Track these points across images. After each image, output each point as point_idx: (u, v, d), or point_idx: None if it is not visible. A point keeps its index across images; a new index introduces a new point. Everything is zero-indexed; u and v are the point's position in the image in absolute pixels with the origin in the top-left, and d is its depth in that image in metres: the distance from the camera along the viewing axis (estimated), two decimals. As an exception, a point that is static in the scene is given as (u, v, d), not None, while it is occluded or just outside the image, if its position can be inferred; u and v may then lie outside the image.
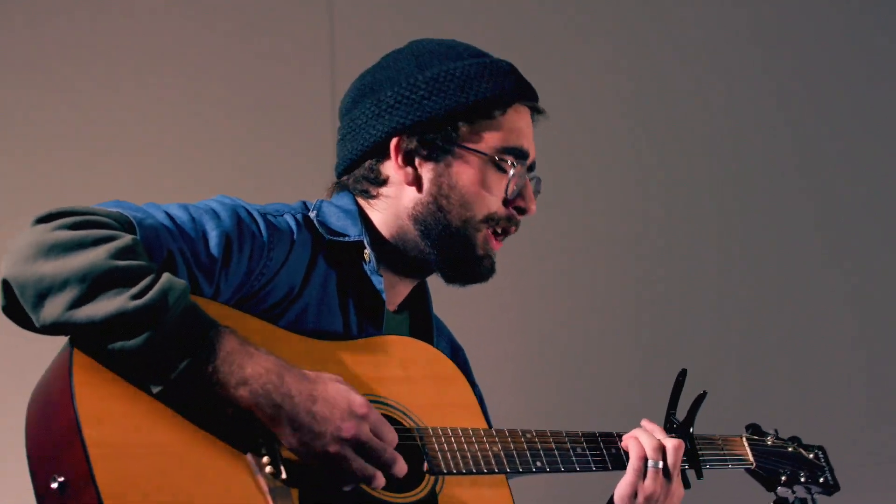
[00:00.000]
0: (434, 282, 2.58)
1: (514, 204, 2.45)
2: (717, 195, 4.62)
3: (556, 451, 2.43)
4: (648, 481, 2.47)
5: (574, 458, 2.44)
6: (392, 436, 2.16)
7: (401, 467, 2.16)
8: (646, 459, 2.48)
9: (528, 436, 2.41)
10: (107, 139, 4.00)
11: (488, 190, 2.42)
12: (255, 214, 2.30)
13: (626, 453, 2.50)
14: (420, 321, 2.59)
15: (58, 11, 4.00)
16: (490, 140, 2.42)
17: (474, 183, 2.42)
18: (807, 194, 4.66)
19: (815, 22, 4.72)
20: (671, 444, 2.50)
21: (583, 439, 2.47)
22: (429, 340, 2.55)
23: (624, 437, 2.52)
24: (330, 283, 2.38)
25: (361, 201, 2.49)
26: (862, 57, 4.73)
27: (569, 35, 4.55)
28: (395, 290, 2.50)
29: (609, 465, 2.49)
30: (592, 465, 2.47)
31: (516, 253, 4.26)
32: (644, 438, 2.50)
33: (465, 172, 2.42)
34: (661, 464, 2.48)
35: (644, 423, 2.56)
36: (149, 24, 4.07)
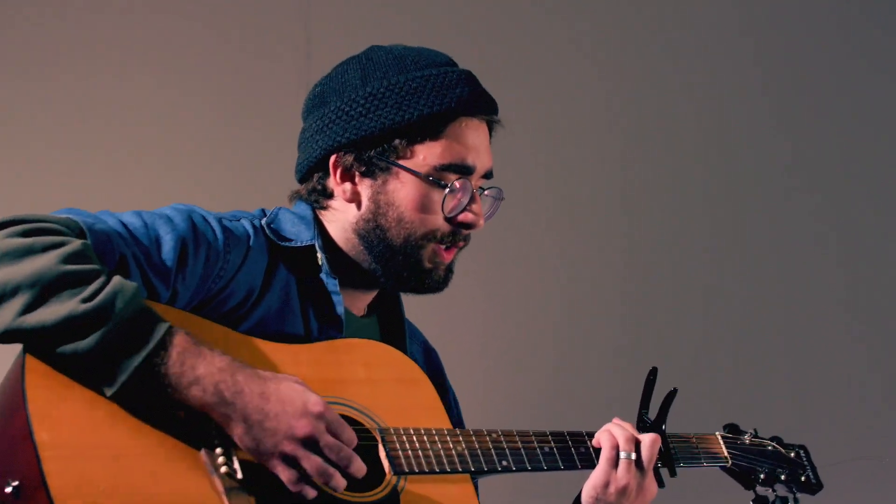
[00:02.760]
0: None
1: (458, 220, 2.43)
2: (694, 187, 4.61)
3: (522, 450, 2.41)
4: (621, 472, 2.45)
5: (541, 457, 2.43)
6: (349, 435, 2.15)
7: (358, 467, 2.14)
8: (618, 450, 2.46)
9: (494, 435, 2.40)
10: (76, 135, 4.01)
11: (427, 208, 2.41)
12: (211, 219, 2.32)
13: (598, 451, 2.49)
14: (391, 325, 2.59)
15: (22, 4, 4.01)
16: (428, 157, 2.40)
17: (411, 201, 2.40)
18: (785, 188, 4.66)
19: (807, 17, 4.71)
20: (647, 437, 2.49)
21: (550, 438, 2.46)
22: (400, 344, 2.55)
23: (597, 433, 2.51)
24: (290, 289, 2.39)
25: (318, 210, 2.50)
26: (856, 54, 4.73)
27: (553, 29, 4.55)
28: (355, 296, 2.51)
29: (577, 463, 2.48)
30: (560, 464, 2.45)
31: (492, 254, 4.31)
32: (617, 431, 2.49)
33: (401, 191, 2.41)
34: (633, 455, 2.46)
35: (616, 420, 2.54)
36: (124, 20, 4.07)
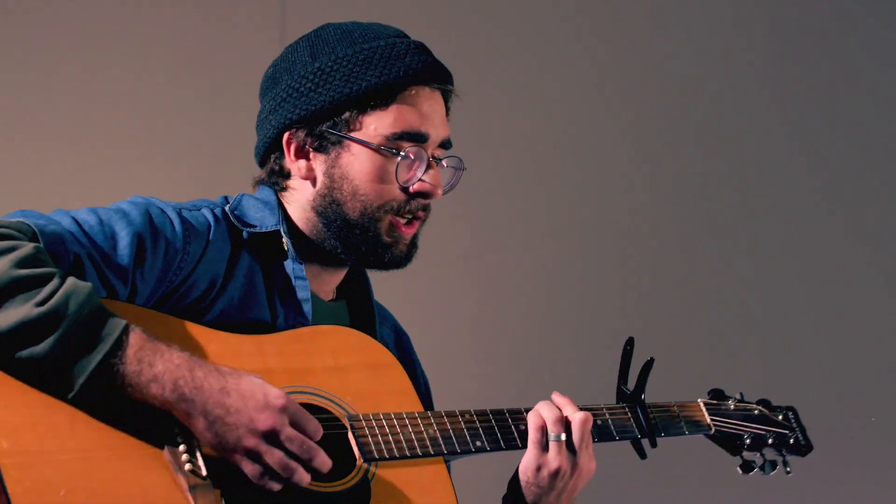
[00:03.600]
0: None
1: (414, 189, 2.40)
2: (673, 172, 4.58)
3: (496, 430, 2.39)
4: (552, 455, 2.38)
5: (516, 435, 2.41)
6: (314, 427, 2.13)
7: (322, 460, 2.12)
8: (545, 431, 2.40)
9: (467, 416, 2.38)
10: (47, 125, 4.00)
11: (382, 178, 2.38)
12: (169, 211, 2.30)
13: None
14: (360, 309, 2.57)
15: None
16: (379, 127, 2.38)
17: (365, 173, 2.38)
18: (762, 177, 4.62)
19: (804, 14, 4.67)
20: (578, 417, 2.40)
21: (524, 415, 2.44)
22: (370, 328, 2.53)
23: (529, 413, 2.43)
24: (255, 276, 2.37)
25: (279, 192, 2.48)
26: (861, 50, 4.67)
27: (540, 22, 4.52)
28: (321, 279, 2.49)
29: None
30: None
31: (468, 238, 4.30)
32: (545, 411, 2.41)
33: (354, 163, 2.39)
34: (563, 437, 2.39)
35: (554, 396, 2.46)
36: (101, 11, 4.07)
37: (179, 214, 2.31)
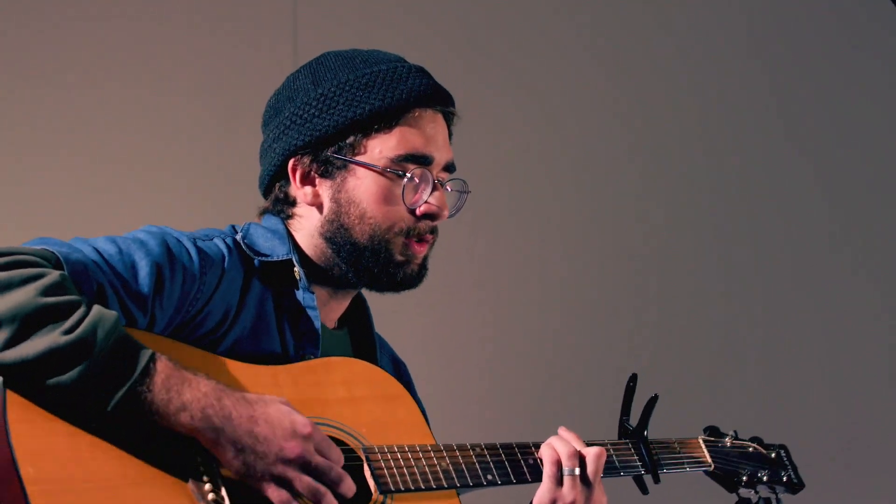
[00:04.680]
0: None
1: (420, 211, 2.43)
2: (685, 189, 4.62)
3: (506, 464, 2.42)
4: (566, 489, 2.41)
5: (526, 469, 2.44)
6: (337, 454, 2.16)
7: (349, 486, 2.16)
8: (560, 465, 2.42)
9: (478, 449, 2.40)
10: (51, 140, 3.99)
11: (388, 200, 2.41)
12: (185, 241, 2.31)
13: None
14: (361, 337, 2.59)
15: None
16: (384, 150, 2.40)
17: (371, 195, 2.40)
18: (775, 189, 4.67)
19: (806, 15, 4.73)
20: (592, 451, 2.44)
21: (533, 450, 2.47)
22: (371, 356, 2.55)
23: (541, 447, 2.46)
24: (266, 305, 2.39)
25: (286, 221, 2.49)
26: (861, 52, 4.74)
27: (549, 22, 4.54)
28: (329, 307, 2.50)
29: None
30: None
31: (472, 270, 4.31)
32: (559, 445, 2.45)
33: (360, 186, 2.41)
34: (577, 471, 2.42)
35: (561, 431, 2.50)
36: (109, 23, 4.07)
37: (195, 244, 2.32)
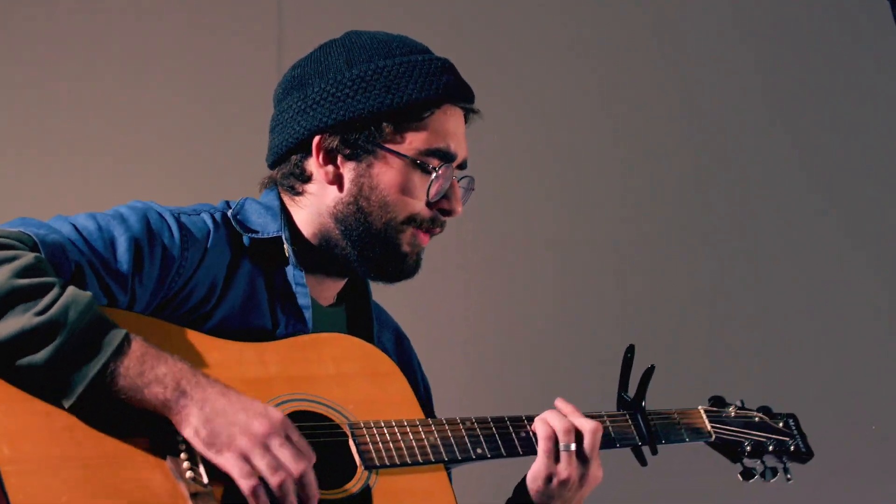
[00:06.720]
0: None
1: (438, 206, 2.43)
2: (671, 180, 4.59)
3: (497, 437, 2.39)
4: (563, 465, 2.38)
5: (517, 443, 2.41)
6: (308, 449, 2.10)
7: (310, 480, 2.08)
8: (555, 441, 2.39)
9: (468, 423, 2.38)
10: (43, 131, 4.02)
11: (410, 192, 2.40)
12: (167, 216, 2.30)
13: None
14: (359, 314, 2.57)
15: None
16: (414, 141, 2.40)
17: (395, 185, 2.40)
18: (760, 184, 4.63)
19: (802, 14, 4.68)
20: (589, 427, 2.41)
21: (526, 423, 2.44)
22: (368, 333, 2.54)
23: (534, 421, 2.43)
24: (257, 281, 2.38)
25: (286, 198, 2.48)
26: (857, 52, 4.68)
27: (539, 21, 4.53)
28: (323, 286, 2.49)
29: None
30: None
31: (469, 245, 4.30)
32: (553, 420, 2.41)
33: (386, 174, 2.40)
34: (573, 446, 2.39)
35: (558, 402, 2.47)
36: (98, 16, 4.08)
37: (178, 220, 2.31)
